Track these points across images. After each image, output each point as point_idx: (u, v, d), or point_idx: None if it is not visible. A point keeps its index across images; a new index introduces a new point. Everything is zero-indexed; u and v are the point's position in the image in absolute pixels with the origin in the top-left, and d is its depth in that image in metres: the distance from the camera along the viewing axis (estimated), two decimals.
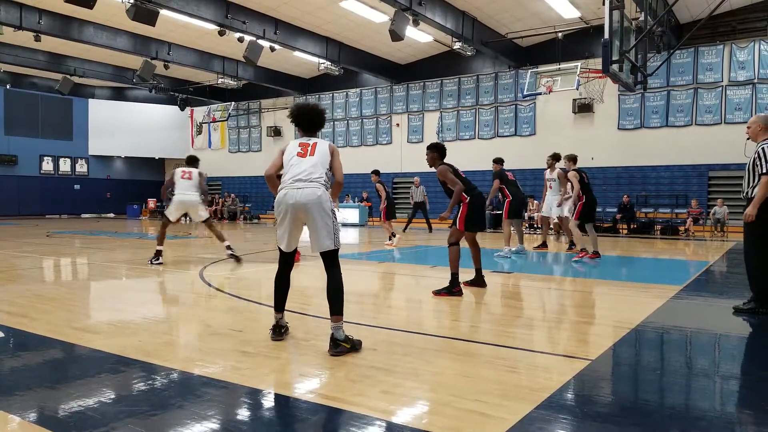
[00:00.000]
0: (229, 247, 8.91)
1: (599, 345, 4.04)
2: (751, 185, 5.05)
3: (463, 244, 6.31)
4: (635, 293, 6.35)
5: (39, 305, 5.37)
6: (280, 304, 4.14)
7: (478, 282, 6.52)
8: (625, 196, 17.94)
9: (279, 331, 4.14)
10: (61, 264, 9.11)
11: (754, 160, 5.02)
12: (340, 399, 2.88)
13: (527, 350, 3.97)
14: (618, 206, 18.05)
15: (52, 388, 3.13)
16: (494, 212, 19.39)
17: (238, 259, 8.80)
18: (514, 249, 10.27)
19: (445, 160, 6.30)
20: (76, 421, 2.61)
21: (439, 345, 4.05)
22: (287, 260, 4.14)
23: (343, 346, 3.75)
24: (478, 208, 6.21)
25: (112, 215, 29.47)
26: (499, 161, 10.53)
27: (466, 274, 6.44)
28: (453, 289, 6.01)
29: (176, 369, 3.39)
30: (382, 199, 12.76)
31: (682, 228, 17.05)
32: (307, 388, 3.16)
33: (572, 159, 10.10)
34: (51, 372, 3.49)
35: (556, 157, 11.25)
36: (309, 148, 4.02)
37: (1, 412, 2.71)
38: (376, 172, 12.87)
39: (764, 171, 4.88)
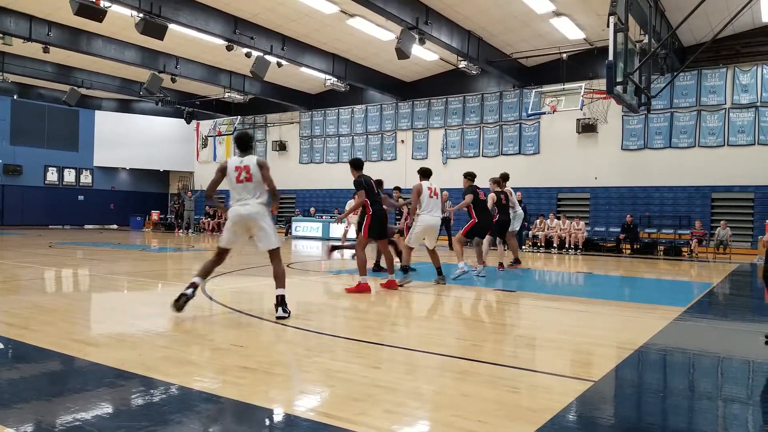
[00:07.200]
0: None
1: (602, 366, 4.00)
2: None
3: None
4: (638, 314, 6.31)
5: (40, 317, 5.36)
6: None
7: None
8: (629, 216, 17.91)
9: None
10: (62, 275, 9.10)
11: None
12: (342, 418, 2.85)
13: (529, 370, 3.94)
14: (621, 226, 18.01)
15: (50, 401, 3.11)
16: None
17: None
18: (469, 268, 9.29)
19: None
20: None
21: (441, 363, 4.02)
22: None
23: None
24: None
25: (115, 227, 29.51)
26: (470, 176, 9.66)
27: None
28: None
29: (176, 384, 3.37)
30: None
31: (685, 249, 16.98)
32: (308, 405, 3.14)
33: (498, 181, 10.93)
34: (49, 385, 3.47)
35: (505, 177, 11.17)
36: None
37: None
38: None
39: None
